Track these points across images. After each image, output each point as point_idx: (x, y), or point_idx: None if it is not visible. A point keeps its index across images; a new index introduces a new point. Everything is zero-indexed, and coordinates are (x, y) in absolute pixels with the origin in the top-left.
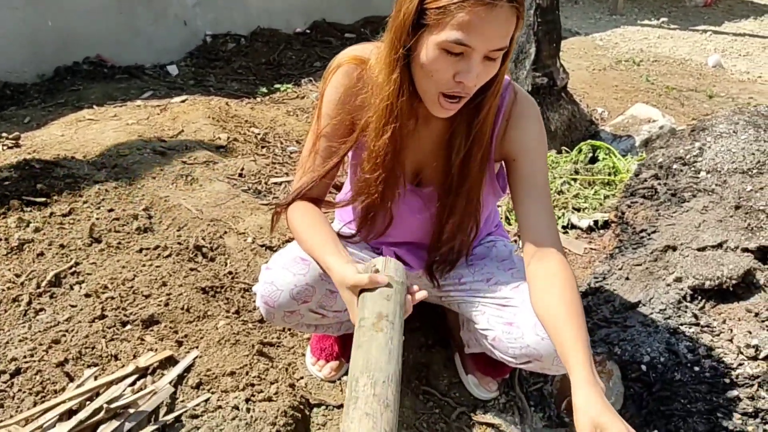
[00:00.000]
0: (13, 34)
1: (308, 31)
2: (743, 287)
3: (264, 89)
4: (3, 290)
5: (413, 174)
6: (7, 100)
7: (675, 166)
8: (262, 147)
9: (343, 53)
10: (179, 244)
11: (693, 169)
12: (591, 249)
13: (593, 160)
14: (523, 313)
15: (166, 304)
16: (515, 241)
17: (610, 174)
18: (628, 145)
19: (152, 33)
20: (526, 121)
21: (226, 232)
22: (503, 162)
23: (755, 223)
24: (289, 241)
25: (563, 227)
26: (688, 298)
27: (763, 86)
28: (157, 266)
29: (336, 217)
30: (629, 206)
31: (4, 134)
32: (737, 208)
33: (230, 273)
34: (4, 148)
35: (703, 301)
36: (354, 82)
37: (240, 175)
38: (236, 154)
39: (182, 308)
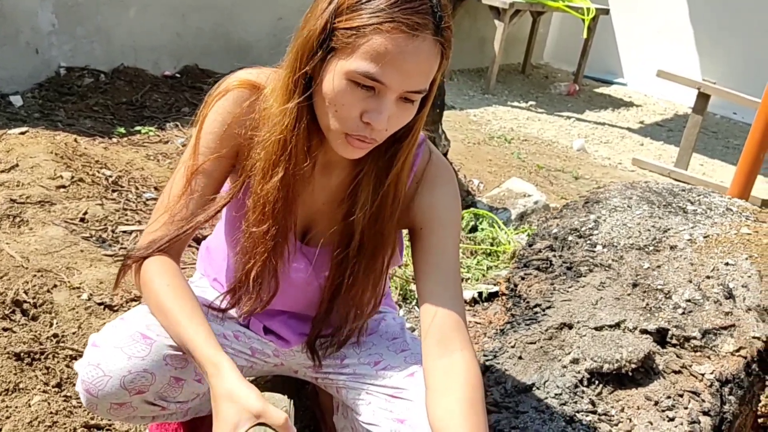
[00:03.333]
0: None
1: (178, 75)
2: (642, 372)
3: (122, 130)
4: None
5: (303, 229)
6: None
7: (570, 238)
8: (113, 191)
9: (233, 76)
10: None
11: (589, 242)
12: (476, 323)
13: (474, 229)
14: (418, 409)
15: None
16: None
17: (492, 244)
18: (504, 217)
19: None
20: (441, 187)
21: (56, 286)
22: (408, 229)
23: (653, 303)
24: (134, 300)
25: None
26: (585, 382)
27: (623, 172)
28: None
29: (200, 268)
30: (522, 278)
31: None
32: (635, 285)
33: (55, 336)
34: None
35: (601, 386)
36: (244, 111)
37: (82, 219)
38: (80, 197)
39: None
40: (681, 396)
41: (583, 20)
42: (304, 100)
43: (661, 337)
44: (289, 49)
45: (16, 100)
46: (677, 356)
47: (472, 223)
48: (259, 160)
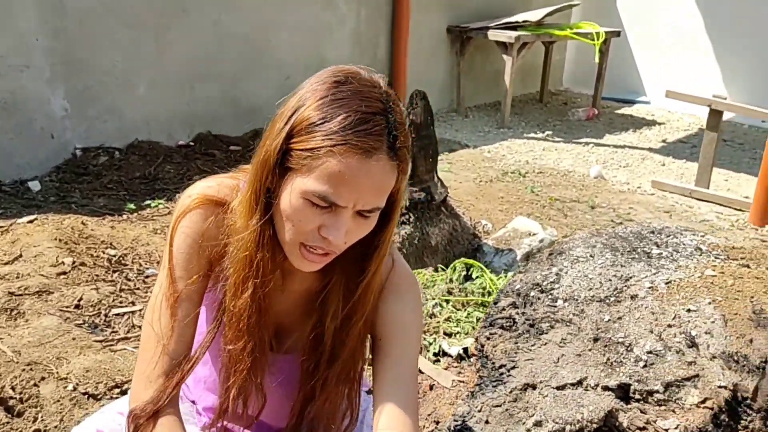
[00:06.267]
0: None
1: (192, 143)
2: (605, 431)
3: (132, 205)
4: None
5: (277, 338)
6: None
7: (532, 294)
8: (114, 271)
9: (191, 193)
10: None
11: (550, 296)
12: (459, 381)
13: (468, 278)
14: None
15: None
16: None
17: (483, 294)
18: (509, 259)
19: (13, 147)
20: (399, 297)
21: (43, 378)
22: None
23: (614, 357)
24: (117, 387)
25: (434, 354)
26: None
27: (642, 196)
28: None
29: (185, 395)
30: (488, 338)
31: None
32: (596, 340)
33: (37, 431)
34: None
35: None
36: (211, 226)
37: (77, 306)
38: (79, 282)
39: None
40: None
41: (594, 45)
42: (265, 215)
43: (623, 392)
44: (251, 164)
45: (35, 186)
46: (641, 411)
47: (464, 273)
48: (230, 276)
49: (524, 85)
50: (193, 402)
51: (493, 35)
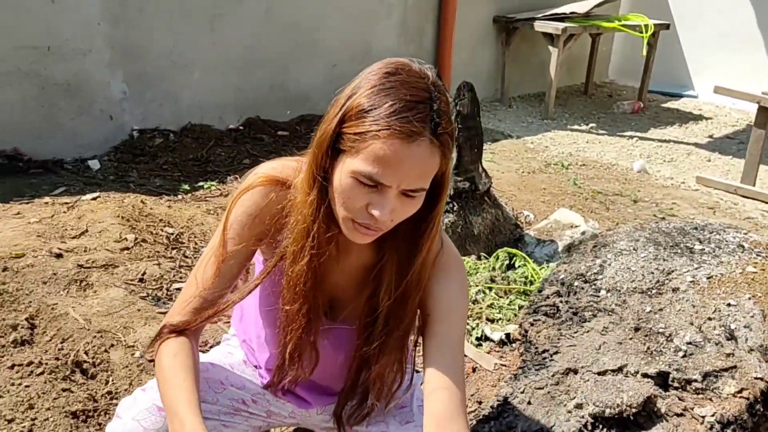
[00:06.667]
0: None
1: (241, 127)
2: (644, 416)
3: (186, 186)
4: None
5: (331, 306)
6: None
7: (576, 284)
8: (173, 248)
9: (257, 172)
10: (57, 359)
11: (594, 287)
12: (501, 365)
13: (511, 267)
14: None
15: (30, 431)
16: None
17: (525, 283)
18: (551, 250)
19: (75, 127)
20: (448, 277)
21: (112, 345)
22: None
23: (654, 347)
24: None
25: (477, 339)
26: (589, 427)
27: (686, 192)
28: (26, 386)
29: (234, 327)
30: (532, 324)
31: None
32: (636, 330)
33: (109, 393)
34: None
35: (605, 430)
36: (270, 203)
37: (140, 280)
38: (141, 257)
39: None
40: None
41: (642, 38)
42: (322, 191)
43: (662, 380)
44: (311, 144)
45: (94, 164)
46: (679, 399)
47: (506, 262)
48: (289, 245)
49: (569, 76)
50: (256, 366)
51: (540, 26)
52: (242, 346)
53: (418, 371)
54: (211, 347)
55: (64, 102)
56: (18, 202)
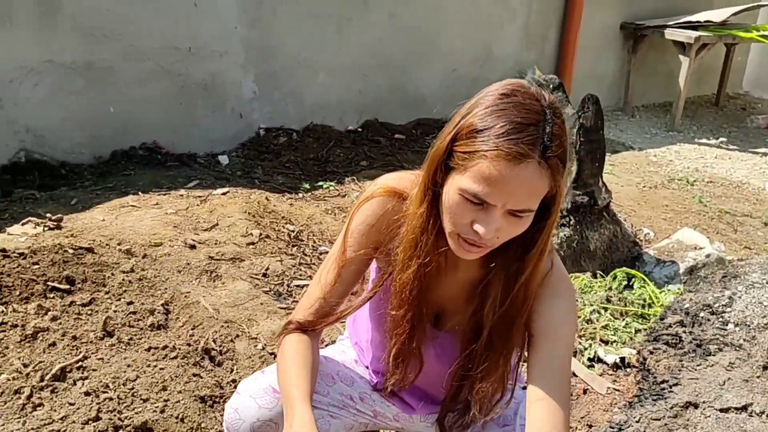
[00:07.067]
0: (74, 117)
1: (360, 129)
2: None
3: (307, 185)
4: (8, 380)
5: (436, 316)
6: (60, 180)
7: (702, 315)
8: (293, 246)
9: (378, 182)
10: (188, 345)
11: (721, 319)
12: (614, 390)
13: (628, 287)
14: None
15: (162, 411)
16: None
17: (643, 306)
18: (671, 271)
19: (209, 123)
20: (556, 297)
21: (238, 336)
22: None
23: None
24: None
25: (589, 359)
26: None
27: None
28: (161, 368)
29: (348, 329)
30: (651, 352)
31: (48, 214)
32: (765, 368)
33: (233, 381)
34: (45, 229)
35: None
36: (387, 213)
37: (264, 275)
38: (265, 252)
39: (177, 417)
40: None
41: None
42: (432, 205)
43: None
44: (426, 158)
45: (224, 159)
46: None
47: (624, 282)
48: (399, 253)
49: (699, 86)
50: (366, 367)
51: (671, 34)
52: (354, 347)
53: (524, 388)
54: (326, 345)
55: (201, 100)
56: (157, 193)
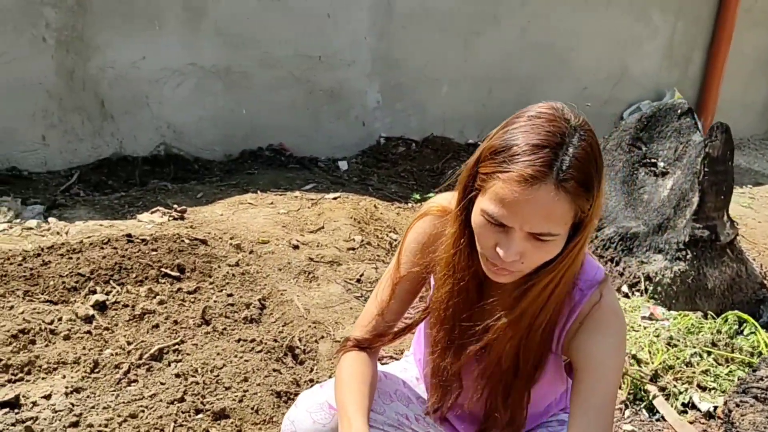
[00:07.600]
0: (210, 116)
1: (480, 142)
2: None
3: (417, 195)
4: (111, 355)
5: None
6: (192, 174)
7: None
8: (392, 254)
9: (432, 200)
10: (275, 341)
11: None
12: None
13: (740, 332)
14: None
15: (240, 400)
16: None
17: (752, 354)
18: None
19: (332, 129)
20: (602, 333)
21: (323, 337)
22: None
23: None
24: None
25: (683, 404)
26: None
27: None
28: (246, 360)
29: (414, 352)
30: (738, 404)
31: (175, 205)
32: None
33: (311, 381)
34: (170, 218)
35: None
36: (437, 233)
37: (358, 280)
38: (363, 258)
39: (252, 408)
40: None
41: None
42: (464, 226)
43: None
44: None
45: (343, 165)
46: None
47: (735, 326)
48: (437, 272)
49: None
50: (417, 379)
51: None
52: (416, 363)
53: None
54: (386, 359)
55: (326, 106)
56: (273, 193)
